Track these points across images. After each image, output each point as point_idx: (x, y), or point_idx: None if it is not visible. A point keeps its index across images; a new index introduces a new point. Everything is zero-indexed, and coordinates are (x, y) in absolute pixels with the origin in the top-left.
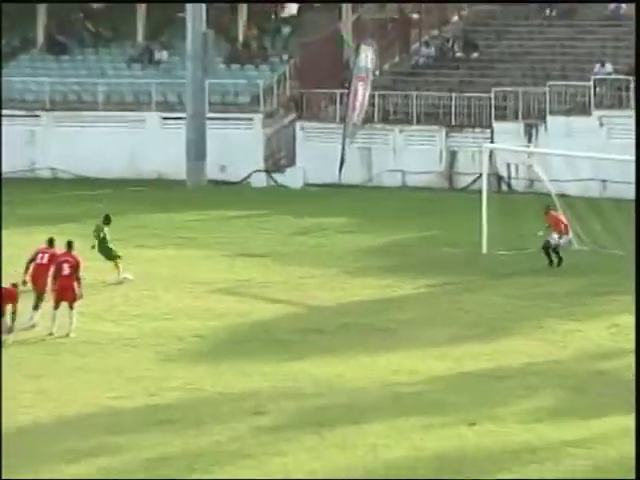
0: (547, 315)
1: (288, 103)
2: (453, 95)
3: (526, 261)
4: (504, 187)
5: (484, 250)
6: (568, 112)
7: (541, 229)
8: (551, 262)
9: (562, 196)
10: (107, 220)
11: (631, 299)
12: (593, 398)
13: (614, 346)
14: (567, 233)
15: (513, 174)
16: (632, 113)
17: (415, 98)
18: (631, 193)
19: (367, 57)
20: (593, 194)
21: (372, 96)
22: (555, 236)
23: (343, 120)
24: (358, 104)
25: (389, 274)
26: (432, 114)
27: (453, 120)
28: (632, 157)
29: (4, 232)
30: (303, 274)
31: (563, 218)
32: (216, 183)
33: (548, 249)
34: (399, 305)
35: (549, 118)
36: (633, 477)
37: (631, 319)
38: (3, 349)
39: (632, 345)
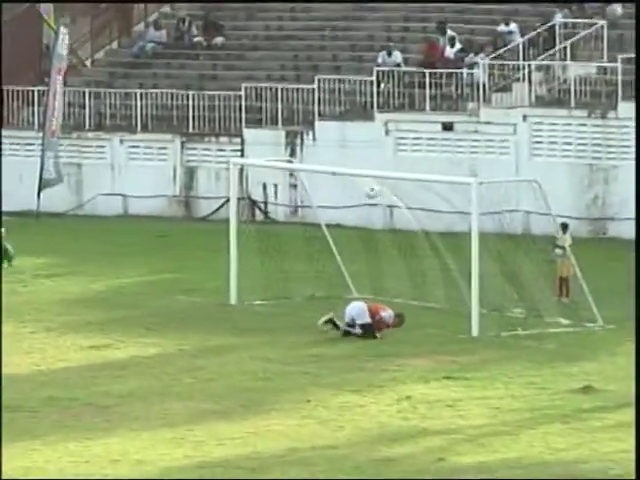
0: (316, 384)
1: None
2: (190, 93)
3: (289, 314)
4: (259, 215)
5: (233, 300)
6: (343, 116)
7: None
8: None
9: (336, 227)
10: None
11: (427, 364)
12: None
13: (405, 425)
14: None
15: (271, 198)
16: (426, 117)
17: (139, 97)
18: (430, 221)
19: (65, 42)
20: (375, 223)
21: (82, 94)
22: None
23: (42, 128)
24: (58, 105)
25: (106, 331)
26: (163, 118)
27: (191, 126)
28: (426, 176)
29: None
30: None
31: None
32: None
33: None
34: (121, 373)
35: (318, 124)
36: (633, 477)
37: (427, 390)
38: None
39: (428, 424)
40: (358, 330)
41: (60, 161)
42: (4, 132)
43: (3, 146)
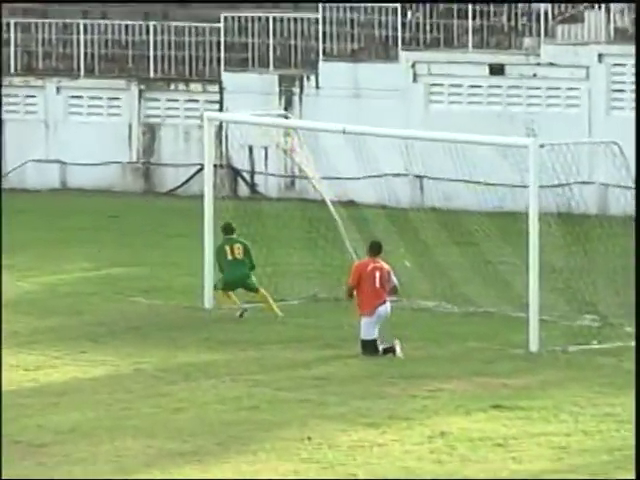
0: (319, 416)
1: None
2: (152, 25)
3: (283, 322)
4: (244, 189)
5: (207, 303)
6: (356, 55)
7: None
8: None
9: (347, 204)
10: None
11: (468, 388)
12: None
13: (440, 471)
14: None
15: (260, 166)
16: (468, 58)
17: (83, 30)
18: (471, 197)
19: None
20: (401, 199)
21: (6, 27)
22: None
23: None
24: None
25: (38, 345)
26: (115, 59)
27: (152, 70)
28: (467, 136)
29: None
30: None
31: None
32: None
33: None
34: (58, 400)
35: (323, 66)
36: (633, 477)
37: (469, 423)
38: None
39: (471, 470)
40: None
41: None
42: None
43: None
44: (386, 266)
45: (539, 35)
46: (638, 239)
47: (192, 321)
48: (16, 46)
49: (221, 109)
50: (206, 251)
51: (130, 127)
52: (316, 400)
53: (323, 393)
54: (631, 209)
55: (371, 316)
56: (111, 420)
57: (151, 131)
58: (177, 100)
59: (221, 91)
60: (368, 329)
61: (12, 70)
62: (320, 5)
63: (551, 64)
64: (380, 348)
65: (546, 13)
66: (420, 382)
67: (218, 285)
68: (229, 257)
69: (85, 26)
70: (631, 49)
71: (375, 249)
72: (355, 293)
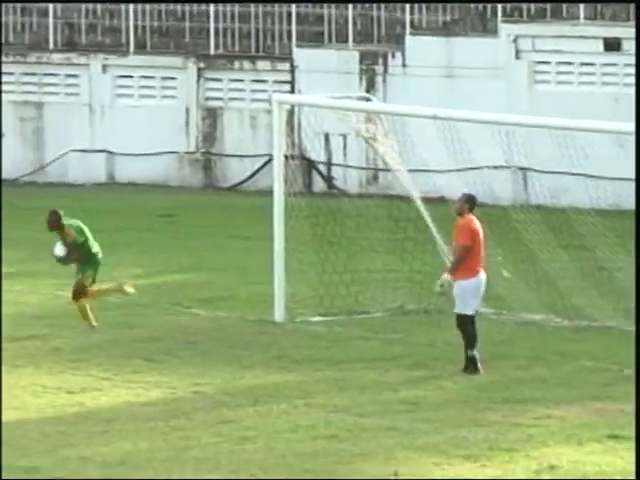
0: (408, 447)
1: None
2: None
3: (365, 337)
4: (319, 184)
5: (278, 315)
6: (448, 29)
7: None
8: (470, 346)
9: (439, 201)
10: None
11: (581, 414)
12: None
13: None
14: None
15: (338, 157)
16: (580, 31)
17: (132, 4)
18: (584, 193)
19: None
20: (501, 196)
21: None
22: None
23: None
24: None
25: (83, 364)
26: (170, 33)
27: (213, 45)
28: (578, 122)
29: None
30: None
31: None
32: None
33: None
34: (106, 428)
35: (410, 41)
36: (633, 477)
37: (582, 455)
38: None
39: None
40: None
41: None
42: None
43: None
44: None
45: None
46: (638, 238)
47: (260, 336)
48: (56, 18)
49: (292, 91)
50: (276, 255)
51: (187, 112)
52: (405, 428)
53: (413, 420)
54: None
55: (472, 282)
56: (168, 451)
57: (212, 116)
58: (242, 80)
59: (292, 70)
60: (467, 300)
61: (51, 46)
62: None
63: None
64: (475, 355)
65: None
66: (525, 408)
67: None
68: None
69: None
70: None
71: (475, 203)
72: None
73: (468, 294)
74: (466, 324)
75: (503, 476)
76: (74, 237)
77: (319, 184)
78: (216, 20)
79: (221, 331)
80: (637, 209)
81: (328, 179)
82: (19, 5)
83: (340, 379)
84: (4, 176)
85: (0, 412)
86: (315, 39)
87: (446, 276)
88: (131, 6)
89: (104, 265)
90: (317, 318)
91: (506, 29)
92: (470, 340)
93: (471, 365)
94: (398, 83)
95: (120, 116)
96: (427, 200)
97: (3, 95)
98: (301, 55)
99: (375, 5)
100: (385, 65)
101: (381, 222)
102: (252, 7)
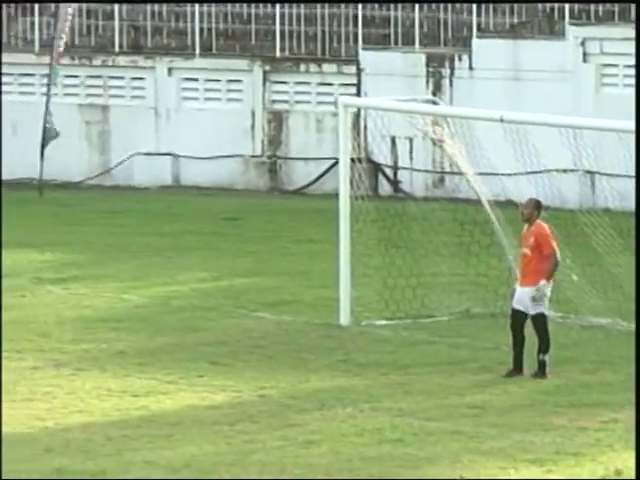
0: (474, 451)
1: None
2: None
3: (431, 341)
4: (385, 187)
5: (344, 319)
6: (516, 31)
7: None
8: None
9: (507, 204)
10: None
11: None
12: None
13: None
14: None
15: (404, 160)
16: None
17: (197, 6)
18: None
19: None
20: (568, 200)
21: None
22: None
23: (50, 49)
24: (70, 17)
25: (148, 368)
26: (235, 36)
27: (278, 48)
28: None
29: None
30: None
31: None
32: None
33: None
34: (171, 432)
35: (477, 44)
36: (633, 477)
37: None
38: None
39: None
40: None
41: (50, 102)
42: None
43: None
44: None
45: None
46: (638, 237)
47: (326, 340)
48: (121, 20)
49: (359, 94)
50: (342, 259)
51: (253, 115)
52: (470, 432)
53: (478, 424)
54: None
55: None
56: (233, 455)
57: (278, 119)
58: (308, 83)
59: (359, 73)
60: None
61: (117, 48)
62: None
63: None
64: (547, 360)
65: None
66: (592, 412)
67: None
68: None
69: None
70: None
71: (542, 207)
72: (534, 259)
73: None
74: (546, 324)
75: None
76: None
77: (385, 187)
78: (282, 22)
79: (286, 335)
80: (637, 208)
81: (394, 182)
82: (85, 7)
83: (405, 383)
84: (69, 179)
85: (0, 413)
86: (381, 41)
87: (544, 282)
88: (197, 8)
89: (169, 269)
90: (382, 322)
91: (573, 31)
92: (548, 343)
93: (542, 369)
94: (465, 86)
95: (185, 119)
96: (495, 203)
97: (69, 98)
98: (367, 58)
99: (442, 7)
100: (452, 68)
101: (447, 225)
102: (318, 9)
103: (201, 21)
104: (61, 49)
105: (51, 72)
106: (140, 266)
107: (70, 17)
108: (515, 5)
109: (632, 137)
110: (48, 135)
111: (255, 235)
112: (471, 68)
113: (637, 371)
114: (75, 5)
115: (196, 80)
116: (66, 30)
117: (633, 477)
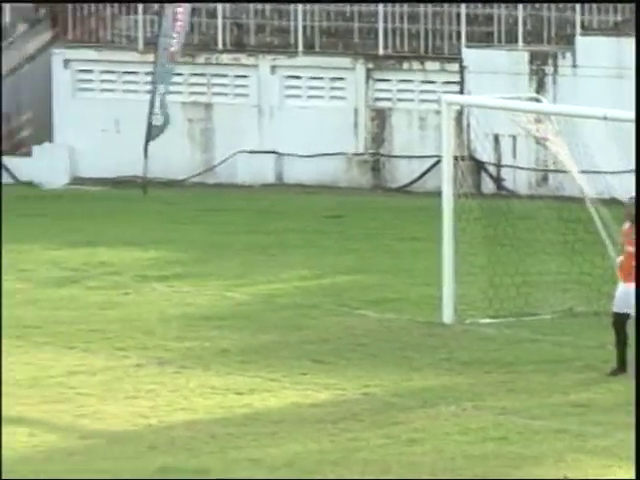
0: (579, 450)
1: (36, 12)
2: None
3: (535, 339)
4: (489, 185)
5: (447, 317)
6: (620, 29)
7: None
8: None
9: (611, 202)
10: None
11: None
12: None
13: None
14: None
15: (507, 158)
16: None
17: (300, 5)
18: None
19: None
20: None
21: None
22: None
23: (155, 47)
24: (182, 16)
25: (251, 365)
26: (339, 34)
27: (382, 46)
28: None
29: None
30: (72, 365)
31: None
32: None
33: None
34: (275, 430)
35: (581, 41)
36: (633, 477)
37: None
38: None
39: None
40: None
41: (166, 98)
42: (88, 52)
43: (88, 72)
44: None
45: None
46: (638, 236)
47: (429, 338)
48: (224, 18)
49: (462, 91)
50: (445, 257)
51: (356, 113)
52: (575, 431)
53: (583, 423)
54: None
55: None
56: (336, 453)
57: (380, 117)
58: (411, 81)
59: (462, 70)
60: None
61: (220, 46)
62: None
63: None
64: None
65: None
66: None
67: None
68: None
69: None
70: None
71: None
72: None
73: None
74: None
75: None
76: None
77: (488, 185)
78: (385, 20)
79: (389, 333)
80: (637, 207)
81: (497, 180)
82: (189, 6)
83: (509, 381)
84: (172, 177)
85: (0, 411)
86: (485, 39)
87: None
88: (300, 6)
89: (272, 267)
90: (486, 320)
91: None
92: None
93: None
94: (568, 84)
95: (288, 117)
96: (599, 201)
97: (172, 96)
98: (470, 55)
99: (545, 5)
100: (555, 66)
101: (551, 223)
102: (421, 7)
103: (304, 19)
104: (173, 48)
105: (156, 70)
106: (243, 264)
107: (181, 17)
108: (619, 3)
109: None
110: (153, 132)
111: (358, 233)
112: (574, 66)
113: (637, 372)
114: (187, 5)
115: (299, 78)
116: (177, 29)
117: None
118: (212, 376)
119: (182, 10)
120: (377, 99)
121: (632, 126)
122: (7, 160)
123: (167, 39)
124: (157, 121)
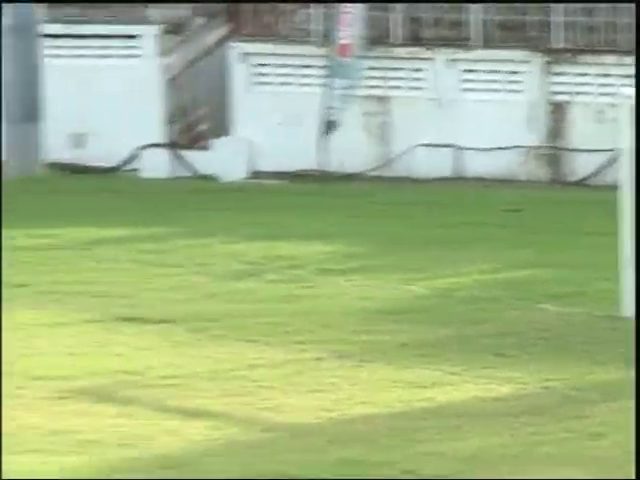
0: None
1: (213, 7)
2: None
3: None
4: None
5: (627, 311)
6: None
7: None
8: None
9: None
10: None
11: None
12: None
13: None
14: None
15: None
16: None
17: None
18: None
19: None
20: None
21: None
22: None
23: (329, 42)
24: (355, 10)
25: (432, 359)
26: (515, 27)
27: (558, 40)
28: None
29: None
30: (252, 359)
31: None
32: (67, 170)
33: None
34: (457, 423)
35: None
36: (633, 477)
37: None
38: None
39: None
40: None
41: (345, 93)
42: (265, 46)
43: (264, 65)
44: None
45: None
46: (638, 235)
47: (610, 332)
48: (399, 11)
49: (639, 85)
50: (624, 250)
51: (533, 106)
52: None
53: None
54: None
55: None
56: (518, 446)
57: (558, 111)
58: (588, 74)
59: (638, 64)
60: None
61: (397, 40)
62: None
63: None
64: None
65: None
66: None
67: None
68: None
69: None
70: None
71: None
72: None
73: None
74: None
75: None
76: None
77: None
78: (562, 14)
79: (570, 326)
80: (638, 204)
81: None
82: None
83: None
84: (349, 170)
85: (0, 409)
86: None
87: None
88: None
89: (451, 260)
90: None
91: None
92: None
93: None
94: None
95: (467, 110)
96: None
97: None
98: None
99: None
100: None
101: None
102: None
103: (481, 12)
104: (347, 42)
105: (330, 64)
106: (422, 257)
107: (355, 10)
108: None
109: None
110: (328, 127)
111: (536, 227)
112: None
113: (637, 371)
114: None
115: (476, 71)
116: (351, 23)
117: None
118: (392, 370)
119: (356, 4)
120: (555, 92)
121: None
122: (185, 153)
123: (340, 33)
124: (332, 116)
